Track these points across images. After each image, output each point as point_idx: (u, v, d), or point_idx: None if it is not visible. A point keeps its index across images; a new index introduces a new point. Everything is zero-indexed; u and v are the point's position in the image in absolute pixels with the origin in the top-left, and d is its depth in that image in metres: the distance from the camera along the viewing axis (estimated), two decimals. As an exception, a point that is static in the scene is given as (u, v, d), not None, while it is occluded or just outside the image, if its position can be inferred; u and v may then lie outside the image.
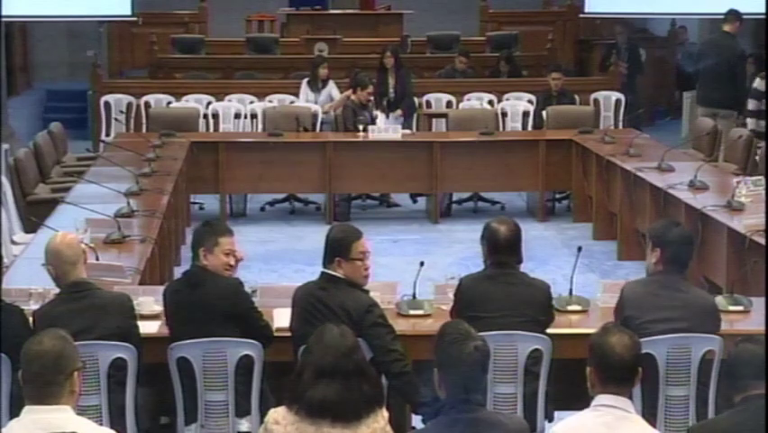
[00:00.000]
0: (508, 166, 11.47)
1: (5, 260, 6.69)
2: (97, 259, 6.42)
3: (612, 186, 10.24)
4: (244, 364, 5.19)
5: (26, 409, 3.81)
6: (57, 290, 5.28)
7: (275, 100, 13.39)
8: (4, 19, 11.26)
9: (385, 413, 4.15)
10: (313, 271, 5.39)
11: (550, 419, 5.30)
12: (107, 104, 13.56)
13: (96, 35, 16.88)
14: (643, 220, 9.27)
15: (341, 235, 5.31)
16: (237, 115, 13.02)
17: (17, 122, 14.25)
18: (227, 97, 13.52)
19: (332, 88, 12.92)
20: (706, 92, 12.07)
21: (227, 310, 5.24)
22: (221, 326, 5.21)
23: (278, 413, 4.14)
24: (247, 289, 5.50)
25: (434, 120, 13.26)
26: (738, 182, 8.24)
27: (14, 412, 4.01)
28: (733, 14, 11.78)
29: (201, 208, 11.85)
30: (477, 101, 13.59)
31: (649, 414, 4.95)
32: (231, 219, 11.08)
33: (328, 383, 4.05)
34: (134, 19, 15.56)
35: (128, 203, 7.95)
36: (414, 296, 5.87)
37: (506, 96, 13.65)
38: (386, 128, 11.74)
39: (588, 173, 10.94)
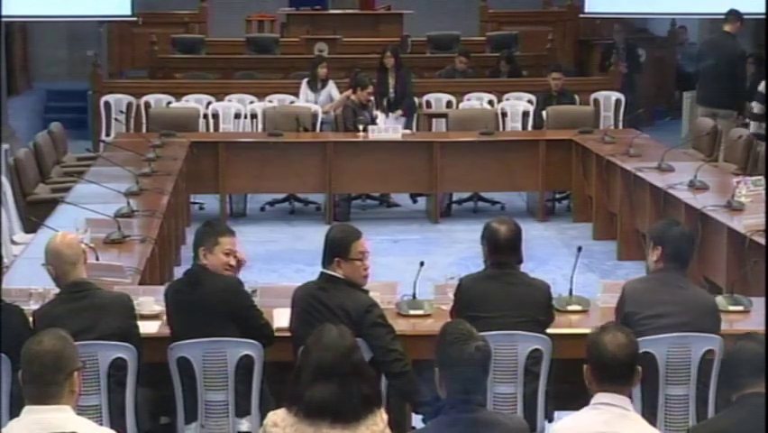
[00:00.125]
0: (508, 166, 11.47)
1: (5, 260, 6.69)
2: (97, 259, 6.42)
3: (612, 186, 10.24)
4: (244, 364, 5.19)
5: (26, 409, 3.82)
6: (57, 290, 5.28)
7: (275, 100, 13.39)
8: (4, 19, 11.26)
9: (384, 414, 4.15)
10: (313, 272, 5.39)
11: (550, 418, 5.30)
12: (107, 104, 13.56)
13: (96, 35, 16.88)
14: (643, 220, 9.27)
15: (340, 236, 5.31)
16: (237, 115, 13.02)
17: (17, 122, 14.24)
18: (227, 97, 13.52)
19: (332, 88, 12.93)
20: (706, 92, 12.07)
21: (227, 309, 5.25)
22: (221, 325, 5.21)
23: (277, 415, 4.13)
24: (247, 289, 5.50)
25: (434, 120, 13.26)
26: (738, 182, 8.24)
27: (14, 412, 4.01)
28: (733, 15, 11.78)
29: (201, 208, 11.84)
30: (477, 101, 13.59)
31: (649, 413, 4.95)
32: (231, 219, 11.08)
33: (327, 384, 4.04)
34: (134, 19, 15.55)
35: (128, 203, 7.95)
36: (414, 296, 5.88)
37: (506, 96, 13.65)
38: (386, 128, 11.74)
39: (588, 173, 10.94)
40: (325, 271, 5.27)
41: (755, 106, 11.96)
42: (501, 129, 12.78)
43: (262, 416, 4.62)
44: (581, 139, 11.22)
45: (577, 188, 11.32)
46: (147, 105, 13.32)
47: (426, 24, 16.52)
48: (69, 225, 6.83)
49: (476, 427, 3.90)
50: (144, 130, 12.48)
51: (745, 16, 11.96)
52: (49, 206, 8.46)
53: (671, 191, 8.76)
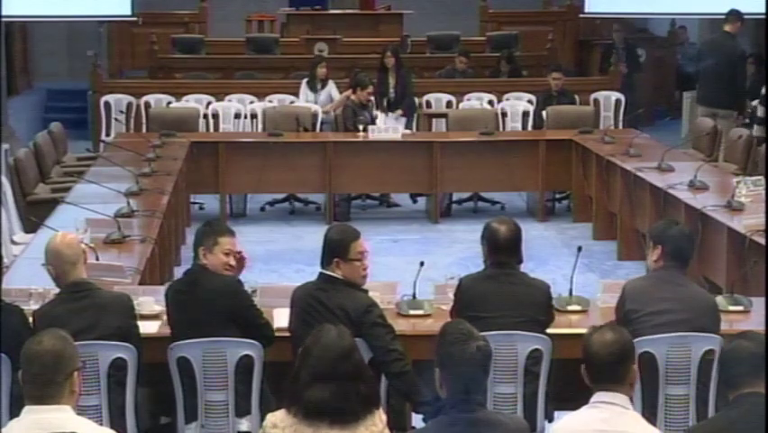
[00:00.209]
0: (508, 166, 11.46)
1: (5, 260, 6.69)
2: (97, 259, 6.42)
3: (612, 186, 10.24)
4: (244, 364, 5.19)
5: (26, 409, 3.82)
6: (57, 290, 5.28)
7: (275, 100, 13.39)
8: (4, 19, 11.26)
9: (383, 415, 4.14)
10: (313, 272, 5.39)
11: (550, 418, 5.29)
12: (107, 104, 13.56)
13: (96, 35, 16.87)
14: (643, 220, 9.27)
15: (339, 236, 5.31)
16: (237, 115, 13.02)
17: (17, 122, 14.24)
18: (227, 97, 13.52)
19: (331, 88, 12.93)
20: (706, 92, 12.07)
21: (227, 309, 5.25)
22: (221, 324, 5.21)
23: (276, 417, 4.13)
24: (247, 289, 5.50)
25: (434, 120, 13.25)
26: (738, 182, 8.24)
27: (14, 412, 4.01)
28: (734, 15, 11.78)
29: (201, 208, 11.84)
30: (477, 101, 13.59)
31: (649, 413, 4.95)
32: (231, 219, 11.08)
33: (325, 385, 4.03)
34: (134, 19, 15.56)
35: (128, 203, 7.95)
36: (414, 296, 5.87)
37: (506, 96, 13.65)
38: (386, 128, 11.74)
39: (588, 173, 10.94)
40: (324, 271, 5.27)
41: (759, 110, 11.94)
42: (501, 129, 12.78)
43: (262, 416, 4.61)
44: (581, 139, 11.22)
45: (577, 188, 11.32)
46: (147, 105, 13.32)
47: (426, 24, 16.52)
48: (69, 225, 6.82)
49: (476, 426, 3.90)
50: (144, 130, 12.48)
51: (745, 16, 11.96)
52: (49, 206, 8.46)
53: (671, 191, 8.76)
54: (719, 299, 5.77)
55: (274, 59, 15.59)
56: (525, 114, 13.09)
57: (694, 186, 8.73)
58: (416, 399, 5.10)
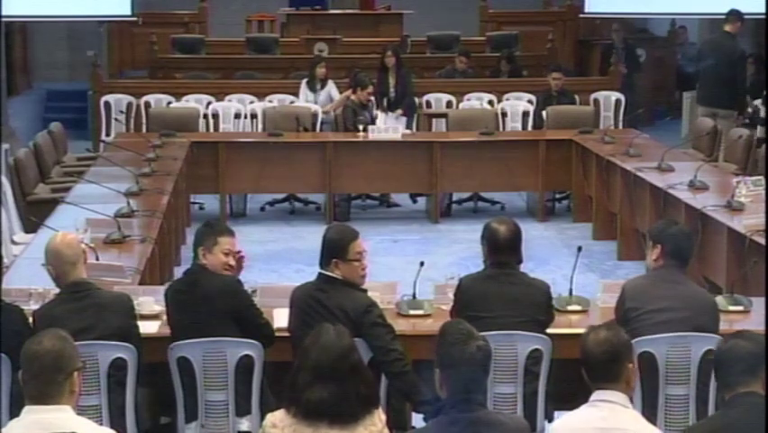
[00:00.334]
0: (508, 166, 11.46)
1: (5, 260, 6.69)
2: (97, 259, 6.42)
3: (612, 186, 10.25)
4: (244, 364, 5.20)
5: (26, 409, 3.82)
6: (57, 290, 5.28)
7: (275, 100, 13.39)
8: (4, 19, 11.26)
9: (382, 414, 4.14)
10: (312, 272, 5.39)
11: (550, 418, 5.30)
12: (107, 104, 13.56)
13: (96, 35, 16.87)
14: (643, 220, 9.27)
15: (337, 237, 5.30)
16: (237, 115, 13.02)
17: (17, 122, 14.24)
18: (227, 97, 13.52)
19: (331, 88, 12.93)
20: (706, 92, 12.07)
21: (227, 309, 5.25)
22: (221, 324, 5.21)
23: (275, 417, 4.13)
24: (247, 289, 5.50)
25: (434, 120, 13.26)
26: (738, 182, 8.24)
27: (14, 412, 4.01)
28: (734, 15, 11.78)
29: (201, 208, 11.85)
30: (477, 101, 13.59)
31: (649, 413, 4.96)
32: (231, 219, 11.08)
33: (325, 385, 4.03)
34: (134, 19, 15.56)
35: (128, 203, 7.95)
36: (414, 296, 5.87)
37: (506, 96, 13.65)
38: (386, 128, 11.74)
39: (588, 173, 10.94)
40: (323, 271, 5.27)
41: (763, 110, 11.94)
42: (501, 129, 12.78)
43: (262, 416, 4.61)
44: (581, 139, 11.22)
45: (577, 188, 11.33)
46: (147, 105, 13.32)
47: (426, 24, 16.52)
48: (69, 225, 6.82)
49: (476, 426, 3.90)
50: (144, 130, 12.47)
51: (745, 16, 11.96)
52: (49, 206, 8.46)
53: (671, 191, 8.76)
54: (719, 299, 5.77)
55: (274, 59, 15.59)
56: (525, 114, 13.09)
57: (694, 186, 8.73)
58: (417, 398, 5.10)
